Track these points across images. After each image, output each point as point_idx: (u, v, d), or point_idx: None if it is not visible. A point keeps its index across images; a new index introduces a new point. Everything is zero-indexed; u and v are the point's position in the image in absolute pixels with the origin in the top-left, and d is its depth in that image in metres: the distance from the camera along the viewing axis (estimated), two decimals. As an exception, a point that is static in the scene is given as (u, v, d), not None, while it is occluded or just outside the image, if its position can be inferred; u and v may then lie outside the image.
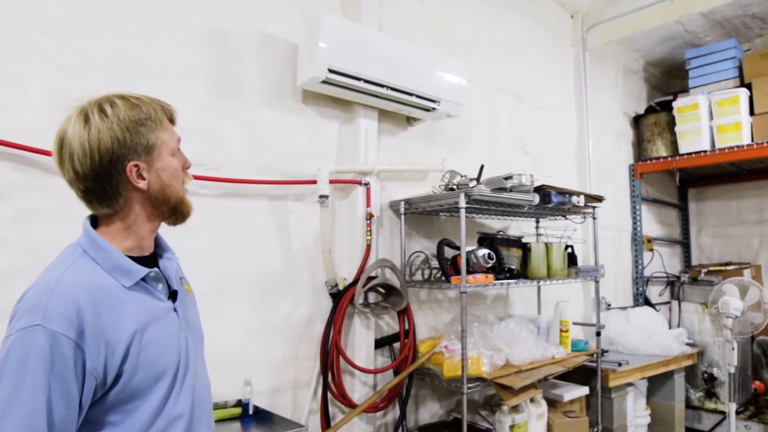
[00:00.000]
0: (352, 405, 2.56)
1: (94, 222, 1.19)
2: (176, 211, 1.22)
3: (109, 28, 2.10)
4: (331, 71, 2.39)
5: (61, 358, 0.99)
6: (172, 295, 1.22)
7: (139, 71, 2.16)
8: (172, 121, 1.23)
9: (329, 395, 2.55)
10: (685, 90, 4.58)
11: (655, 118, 4.69)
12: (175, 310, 1.21)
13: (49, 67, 1.97)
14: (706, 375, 4.21)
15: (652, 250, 4.84)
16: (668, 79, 5.41)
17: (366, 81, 2.51)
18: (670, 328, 4.28)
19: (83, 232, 1.16)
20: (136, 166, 1.13)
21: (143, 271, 1.14)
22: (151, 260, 1.22)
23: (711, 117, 4.24)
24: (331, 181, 2.59)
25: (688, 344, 4.08)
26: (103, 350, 1.04)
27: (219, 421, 2.15)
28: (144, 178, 1.14)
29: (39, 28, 1.95)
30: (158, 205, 1.18)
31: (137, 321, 1.10)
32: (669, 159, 4.51)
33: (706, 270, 4.56)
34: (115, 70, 2.10)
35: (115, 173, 1.12)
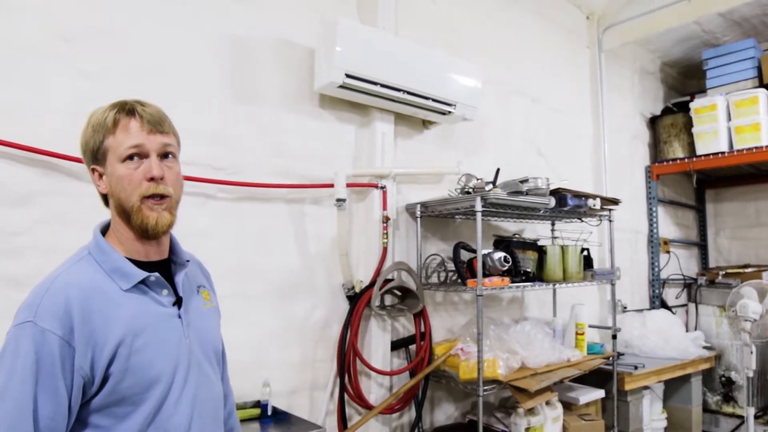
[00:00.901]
0: (368, 406, 2.59)
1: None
2: (134, 221, 1.15)
3: (130, 36, 2.14)
4: (348, 76, 2.42)
5: (50, 355, 1.02)
6: (179, 302, 1.21)
7: (159, 78, 2.19)
8: (156, 127, 1.17)
9: (346, 396, 2.58)
10: (702, 90, 4.55)
11: (671, 119, 4.66)
12: (179, 317, 1.20)
13: (73, 74, 2.02)
14: (723, 379, 4.17)
15: (668, 252, 4.80)
16: (685, 80, 5.36)
17: (383, 85, 2.53)
18: (687, 331, 4.25)
19: (92, 235, 1.20)
20: (94, 169, 1.19)
21: (141, 274, 1.15)
22: (161, 266, 1.23)
23: (729, 118, 4.21)
24: (348, 185, 2.62)
25: (705, 347, 4.06)
26: (91, 349, 1.05)
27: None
28: (104, 182, 1.18)
29: (64, 36, 2.00)
30: (120, 211, 1.17)
31: (130, 324, 1.10)
32: (686, 160, 4.48)
33: (723, 272, 4.52)
34: (137, 77, 2.14)
35: (91, 175, 1.21)
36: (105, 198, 1.22)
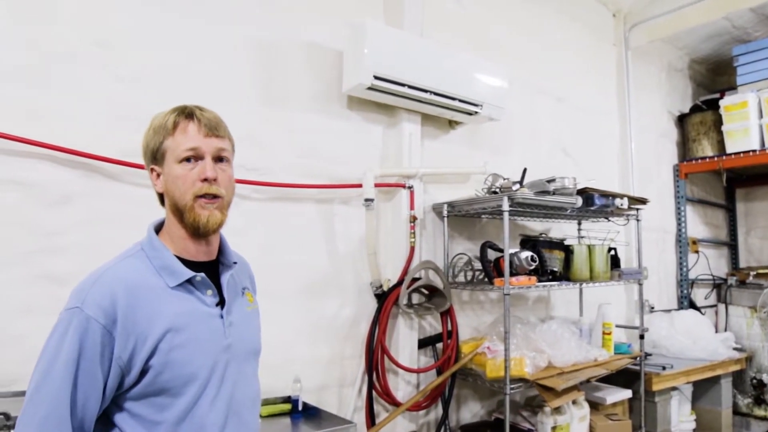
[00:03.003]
0: (396, 403, 2.62)
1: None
2: (186, 219, 1.20)
3: (163, 41, 2.21)
4: (376, 78, 2.45)
5: (92, 342, 1.08)
6: (222, 303, 1.25)
7: (191, 81, 2.26)
8: (212, 131, 1.22)
9: (374, 393, 2.61)
10: (732, 87, 4.47)
11: (700, 117, 4.59)
12: (221, 317, 1.23)
13: (110, 79, 2.09)
14: (755, 381, 4.10)
15: (697, 252, 4.73)
16: (715, 77, 5.27)
17: (410, 86, 2.56)
18: (716, 332, 4.19)
19: (146, 231, 1.26)
20: (153, 169, 1.25)
21: (188, 273, 1.19)
22: (208, 267, 1.27)
23: (761, 115, 4.13)
24: (376, 185, 2.66)
25: (735, 349, 3.99)
26: (132, 341, 1.10)
27: (269, 416, 2.23)
28: (161, 182, 1.24)
29: (101, 42, 2.07)
30: (174, 210, 1.22)
31: (173, 320, 1.14)
32: (715, 159, 4.41)
33: (755, 273, 4.44)
34: (170, 81, 2.21)
35: (149, 175, 1.27)
36: (161, 197, 1.27)
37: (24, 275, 1.88)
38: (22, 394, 1.72)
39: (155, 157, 1.23)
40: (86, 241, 1.99)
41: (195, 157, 1.20)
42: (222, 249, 1.32)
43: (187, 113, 1.22)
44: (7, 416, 1.60)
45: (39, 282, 1.91)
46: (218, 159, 1.23)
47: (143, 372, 1.11)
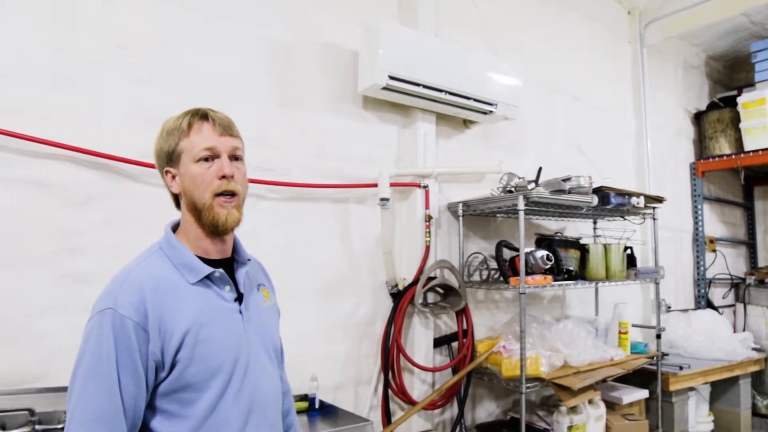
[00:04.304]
0: (411, 402, 2.63)
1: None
2: (205, 218, 1.22)
3: (180, 44, 2.24)
4: (391, 78, 2.46)
5: (128, 339, 1.10)
6: (240, 298, 1.27)
7: (208, 83, 2.29)
8: (226, 130, 1.25)
9: (389, 392, 2.62)
10: (750, 84, 4.42)
11: (717, 114, 4.54)
12: (240, 312, 1.26)
13: (130, 81, 2.12)
14: (774, 381, 4.06)
15: (714, 251, 4.68)
16: (732, 74, 5.21)
17: (425, 86, 2.56)
18: (734, 332, 4.14)
19: (164, 232, 1.28)
20: (167, 171, 1.27)
21: (207, 269, 1.21)
22: (225, 264, 1.29)
23: (779, 112, 4.08)
24: (391, 184, 2.66)
25: (754, 349, 3.94)
26: (162, 336, 1.13)
27: (286, 414, 2.25)
28: (177, 183, 1.26)
29: (121, 45, 2.11)
30: (192, 209, 1.24)
31: (196, 315, 1.17)
32: (733, 156, 4.36)
33: (774, 272, 4.39)
34: (187, 83, 2.24)
35: (163, 177, 1.29)
36: (176, 199, 1.29)
37: (46, 275, 1.92)
38: (46, 390, 1.78)
39: (170, 158, 1.25)
40: (107, 241, 2.03)
41: (212, 156, 1.23)
42: (236, 247, 1.35)
43: (201, 114, 1.25)
44: (31, 412, 1.63)
45: (61, 282, 1.94)
46: (233, 157, 1.26)
47: (172, 366, 1.14)
